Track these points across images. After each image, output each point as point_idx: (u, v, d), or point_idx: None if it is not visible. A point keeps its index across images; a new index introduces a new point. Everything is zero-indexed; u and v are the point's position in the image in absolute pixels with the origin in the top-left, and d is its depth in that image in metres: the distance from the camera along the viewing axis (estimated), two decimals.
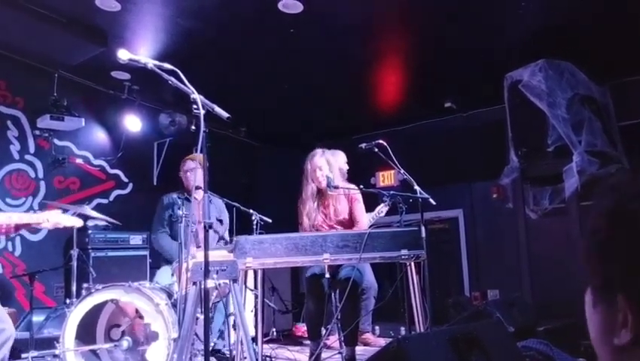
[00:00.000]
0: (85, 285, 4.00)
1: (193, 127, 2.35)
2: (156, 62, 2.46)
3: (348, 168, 5.16)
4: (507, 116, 5.26)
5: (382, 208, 5.04)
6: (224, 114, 2.49)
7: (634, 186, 0.75)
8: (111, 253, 5.61)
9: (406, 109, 6.79)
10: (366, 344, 5.14)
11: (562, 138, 4.83)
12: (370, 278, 5.12)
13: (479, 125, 6.43)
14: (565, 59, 4.94)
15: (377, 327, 5.78)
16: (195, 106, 2.37)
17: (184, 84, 2.41)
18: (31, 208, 5.54)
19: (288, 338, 5.95)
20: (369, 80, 6.15)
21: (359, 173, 5.62)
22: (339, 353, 4.07)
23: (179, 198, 4.36)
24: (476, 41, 5.08)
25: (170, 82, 2.40)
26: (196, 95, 2.39)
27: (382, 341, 5.24)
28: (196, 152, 2.47)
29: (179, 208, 3.73)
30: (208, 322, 2.58)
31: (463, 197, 6.53)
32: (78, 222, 3.07)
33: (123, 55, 2.46)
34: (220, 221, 4.58)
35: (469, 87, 6.08)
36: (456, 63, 5.54)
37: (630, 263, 0.71)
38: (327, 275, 3.69)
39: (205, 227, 2.34)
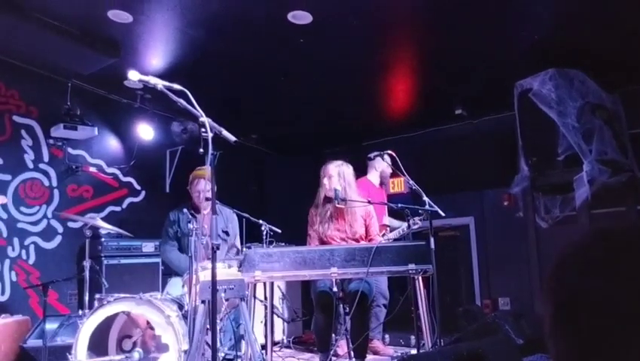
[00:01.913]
0: (97, 296, 4.05)
1: (201, 150, 2.38)
2: (166, 83, 2.50)
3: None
4: (517, 125, 5.25)
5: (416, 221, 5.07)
6: (232, 138, 2.52)
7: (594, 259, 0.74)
8: (123, 261, 5.69)
9: (416, 116, 6.80)
10: (375, 353, 5.16)
11: (572, 147, 4.82)
12: (382, 287, 5.15)
13: (490, 133, 6.42)
14: (575, 67, 4.92)
15: (387, 336, 5.78)
16: (203, 129, 2.40)
17: (193, 106, 2.45)
18: (45, 217, 5.62)
19: (299, 345, 5.98)
20: (379, 88, 6.16)
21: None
22: None
23: (188, 212, 4.40)
24: (487, 49, 5.08)
25: (179, 104, 2.43)
26: (204, 118, 2.42)
27: (391, 350, 5.26)
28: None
29: (189, 222, 3.77)
30: (215, 336, 2.61)
31: (474, 204, 6.52)
32: None
33: (133, 76, 2.50)
34: (227, 232, 4.61)
35: (479, 94, 6.08)
36: (467, 71, 5.54)
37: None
38: (336, 288, 3.71)
39: (212, 248, 2.38)
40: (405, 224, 5.12)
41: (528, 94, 5.07)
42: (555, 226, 5.11)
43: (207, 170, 3.99)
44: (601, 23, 4.54)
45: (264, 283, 3.96)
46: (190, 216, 3.93)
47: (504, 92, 5.34)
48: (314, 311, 4.03)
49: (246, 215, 4.65)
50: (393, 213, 4.81)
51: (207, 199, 3.91)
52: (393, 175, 5.71)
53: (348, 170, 4.32)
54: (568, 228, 5.01)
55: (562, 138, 4.86)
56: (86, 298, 4.28)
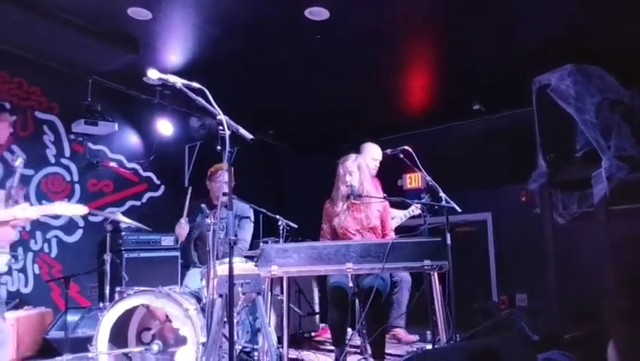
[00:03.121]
0: (118, 288, 4.13)
1: (219, 147, 2.43)
2: (185, 82, 2.54)
3: (380, 159, 5.25)
4: (535, 121, 5.23)
5: (413, 209, 5.12)
6: (248, 135, 2.56)
7: None
8: (143, 254, 5.78)
9: (433, 111, 6.79)
10: (398, 340, 5.19)
11: (590, 143, 4.78)
12: (402, 273, 5.13)
13: (507, 128, 6.40)
14: (593, 63, 4.88)
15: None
16: (221, 127, 2.44)
17: (211, 104, 2.49)
18: None
19: (315, 339, 6.03)
20: (396, 84, 6.16)
21: (386, 176, 5.66)
22: (364, 358, 4.13)
23: (206, 207, 4.45)
24: (504, 44, 5.07)
25: (197, 102, 2.48)
26: (221, 117, 2.47)
27: (413, 337, 5.28)
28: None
29: (207, 217, 3.82)
30: (232, 329, 2.65)
31: (492, 201, 6.50)
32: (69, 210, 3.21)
33: (152, 74, 2.55)
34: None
35: (497, 90, 6.05)
36: (484, 66, 5.53)
37: None
38: (351, 284, 3.74)
39: (230, 243, 2.43)
40: (405, 212, 5.18)
41: (547, 90, 5.03)
42: (572, 222, 5.08)
43: (225, 165, 4.04)
44: (619, 18, 4.50)
45: (280, 279, 4.00)
46: (208, 211, 3.99)
47: (521, 87, 5.31)
48: (329, 308, 4.06)
49: (263, 210, 4.69)
50: (392, 203, 4.82)
51: (224, 194, 3.95)
52: (410, 170, 5.74)
53: (363, 161, 4.38)
54: (585, 224, 4.97)
55: (580, 134, 4.82)
56: (107, 291, 4.36)
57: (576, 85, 4.88)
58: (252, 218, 4.78)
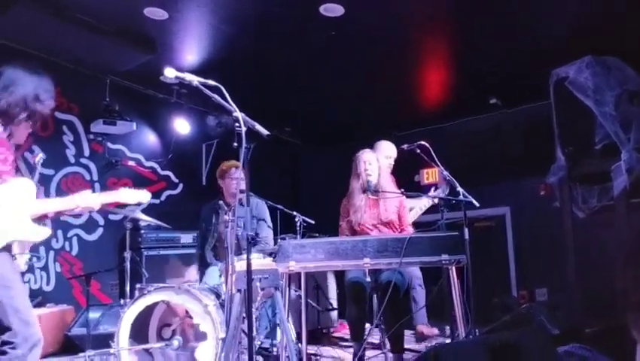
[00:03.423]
0: (138, 285, 4.19)
1: (235, 144, 2.45)
2: (201, 80, 2.56)
3: (394, 156, 5.23)
4: (554, 114, 5.18)
5: (427, 201, 5.10)
6: (265, 132, 2.58)
7: None
8: (162, 252, 5.84)
9: (450, 106, 6.76)
10: (422, 335, 5.17)
11: (609, 136, 4.72)
12: (412, 269, 5.10)
13: (525, 122, 6.35)
14: (612, 55, 4.82)
15: None
16: (237, 124, 2.46)
17: (227, 101, 2.51)
18: None
19: (333, 335, 6.04)
20: (412, 79, 6.15)
21: (403, 172, 5.64)
22: (383, 353, 4.13)
23: (223, 204, 4.48)
24: (521, 37, 5.03)
25: (214, 99, 2.50)
26: (238, 113, 2.49)
27: (436, 330, 5.27)
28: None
29: (225, 213, 3.85)
30: (251, 323, 2.67)
31: (510, 195, 6.46)
32: (132, 197, 3.15)
33: (169, 73, 2.57)
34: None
35: (514, 83, 6.01)
36: (501, 59, 5.49)
37: None
38: (368, 279, 3.74)
39: (247, 239, 2.45)
40: (425, 202, 5.13)
41: (564, 82, 4.98)
42: (592, 215, 5.02)
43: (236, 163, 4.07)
44: (638, 8, 4.44)
45: (298, 274, 4.02)
46: (226, 207, 4.02)
47: (539, 80, 5.27)
48: (347, 303, 4.07)
49: (280, 206, 4.72)
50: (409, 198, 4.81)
51: (241, 192, 3.98)
52: (427, 166, 5.71)
53: (380, 155, 4.39)
54: (605, 218, 4.92)
55: (600, 127, 4.76)
56: (127, 288, 4.42)
57: (595, 77, 4.83)
58: (268, 219, 4.81)
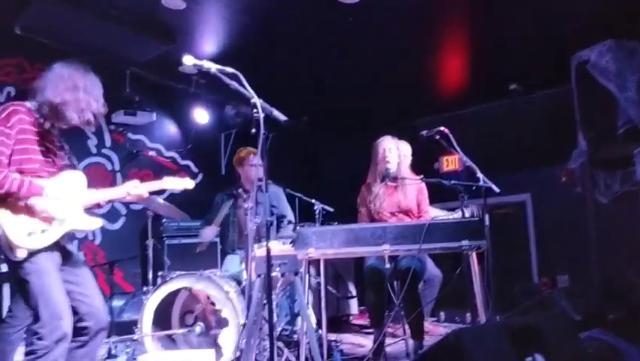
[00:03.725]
0: (160, 273, 4.25)
1: (253, 130, 2.47)
2: (219, 67, 2.58)
3: (408, 155, 5.18)
4: (575, 99, 5.12)
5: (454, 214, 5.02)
6: (282, 117, 2.59)
7: None
8: (184, 241, 5.90)
9: (469, 92, 6.69)
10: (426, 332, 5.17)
11: (632, 121, 4.66)
12: (432, 269, 5.09)
13: (546, 107, 6.26)
14: (634, 38, 4.74)
15: (442, 313, 5.81)
16: (255, 110, 2.48)
17: (245, 88, 2.53)
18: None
19: (354, 323, 6.07)
20: (430, 65, 6.09)
21: (423, 158, 5.61)
22: (403, 339, 4.14)
23: (240, 192, 4.52)
24: (542, 21, 4.95)
25: (232, 86, 2.52)
26: (255, 99, 2.50)
27: (442, 330, 5.26)
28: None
29: (244, 201, 3.89)
30: (271, 309, 2.70)
31: (531, 181, 6.39)
32: (177, 184, 3.31)
33: (188, 60, 2.60)
34: (272, 211, 4.71)
35: (534, 68, 5.93)
36: (521, 44, 5.42)
37: None
38: (388, 265, 3.75)
39: (266, 224, 2.47)
40: (442, 212, 5.04)
41: (586, 66, 4.92)
42: (614, 201, 4.97)
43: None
44: None
45: (318, 262, 4.04)
46: (245, 194, 4.05)
47: (560, 65, 5.20)
48: (366, 290, 4.08)
49: (299, 195, 4.73)
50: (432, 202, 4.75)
51: (259, 180, 4.01)
52: (446, 153, 5.68)
53: (402, 146, 4.37)
54: (628, 203, 4.87)
55: (622, 112, 4.70)
56: (150, 275, 4.49)
57: (616, 61, 4.76)
58: (284, 196, 4.87)
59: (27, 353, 2.55)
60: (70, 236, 2.89)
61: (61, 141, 2.93)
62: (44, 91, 2.73)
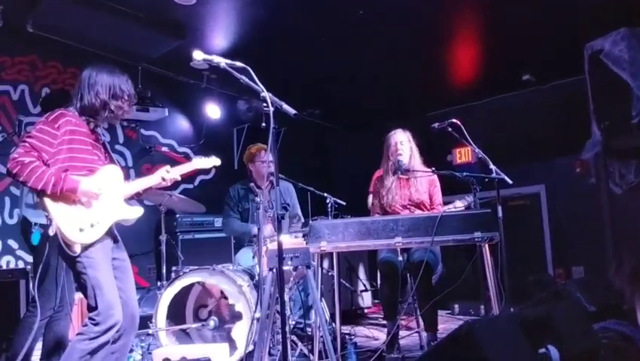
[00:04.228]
0: (174, 268, 4.28)
1: (264, 124, 2.47)
2: (229, 61, 2.59)
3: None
4: (588, 88, 5.06)
5: (458, 203, 5.01)
6: (292, 111, 2.60)
7: None
8: (197, 236, 5.95)
9: (481, 83, 6.65)
10: None
11: None
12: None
13: (559, 98, 6.21)
14: None
15: (456, 305, 5.80)
16: (265, 104, 2.49)
17: (255, 82, 2.53)
18: None
19: (368, 316, 6.08)
20: (443, 57, 6.06)
21: (435, 150, 5.59)
22: (417, 332, 4.15)
23: (254, 186, 4.53)
24: (555, 10, 4.91)
25: (241, 80, 2.53)
26: (265, 93, 2.51)
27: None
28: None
29: (256, 195, 3.90)
30: (283, 302, 2.70)
31: (545, 172, 6.35)
32: (206, 163, 3.55)
33: (197, 55, 2.61)
34: (285, 206, 4.73)
35: (548, 59, 5.87)
36: (534, 34, 5.37)
37: None
38: (401, 258, 3.74)
39: (277, 218, 2.48)
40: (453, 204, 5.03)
41: (599, 55, 4.86)
42: (629, 191, 4.92)
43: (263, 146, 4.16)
44: None
45: (330, 255, 4.04)
46: (257, 189, 4.07)
47: (573, 54, 5.14)
48: (379, 283, 4.09)
49: (311, 188, 4.73)
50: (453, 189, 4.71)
51: (270, 174, 4.03)
52: (459, 145, 5.63)
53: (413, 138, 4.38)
54: None
55: (636, 100, 4.64)
56: (164, 270, 4.52)
57: (630, 50, 4.69)
58: (295, 194, 4.88)
59: (79, 333, 2.76)
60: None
61: (102, 138, 3.15)
62: (84, 96, 2.96)
